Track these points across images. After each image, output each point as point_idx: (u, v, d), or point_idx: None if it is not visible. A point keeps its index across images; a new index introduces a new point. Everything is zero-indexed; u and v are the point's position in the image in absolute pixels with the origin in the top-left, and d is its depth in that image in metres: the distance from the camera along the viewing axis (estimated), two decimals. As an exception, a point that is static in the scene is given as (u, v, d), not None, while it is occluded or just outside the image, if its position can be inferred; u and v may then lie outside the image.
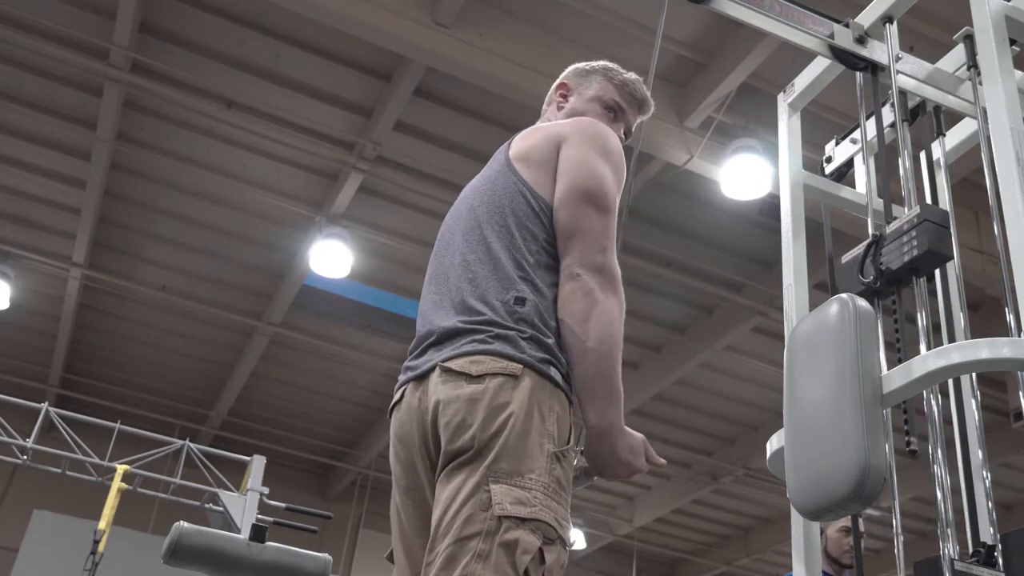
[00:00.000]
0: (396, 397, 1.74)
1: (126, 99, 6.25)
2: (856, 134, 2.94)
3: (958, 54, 2.77)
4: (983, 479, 2.46)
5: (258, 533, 5.08)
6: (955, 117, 2.91)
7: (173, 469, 6.48)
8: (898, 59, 2.64)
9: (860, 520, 2.84)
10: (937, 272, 2.70)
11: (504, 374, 1.55)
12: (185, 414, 10.02)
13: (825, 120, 5.46)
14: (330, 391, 9.65)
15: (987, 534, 2.38)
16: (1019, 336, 2.29)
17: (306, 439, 10.45)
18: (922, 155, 2.84)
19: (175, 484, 6.30)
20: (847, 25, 2.69)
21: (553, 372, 1.60)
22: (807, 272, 2.72)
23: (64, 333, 8.65)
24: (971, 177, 5.46)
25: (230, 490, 6.18)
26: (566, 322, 1.63)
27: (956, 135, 2.98)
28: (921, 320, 2.30)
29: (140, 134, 6.67)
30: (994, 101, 2.24)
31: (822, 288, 2.72)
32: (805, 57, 2.83)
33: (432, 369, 1.64)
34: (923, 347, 2.21)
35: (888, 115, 2.74)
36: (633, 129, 2.08)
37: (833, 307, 2.14)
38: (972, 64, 2.62)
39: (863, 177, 2.92)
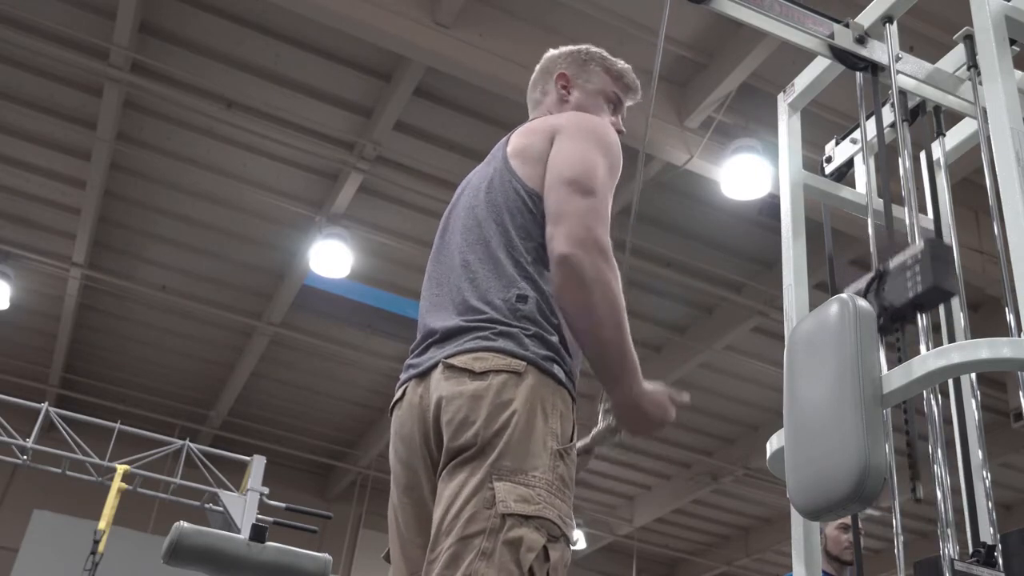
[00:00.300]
0: (397, 395, 1.73)
1: (126, 99, 6.25)
2: (856, 134, 2.94)
3: (958, 54, 2.77)
4: (983, 479, 2.46)
5: (258, 533, 5.08)
6: (955, 117, 2.91)
7: (173, 469, 6.48)
8: (898, 59, 2.64)
9: (859, 519, 2.84)
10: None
11: (508, 371, 1.55)
12: (185, 414, 10.02)
13: (825, 120, 5.46)
14: (330, 391, 9.65)
15: (987, 534, 2.38)
16: (1019, 336, 2.29)
17: (306, 439, 10.45)
18: (922, 155, 2.84)
19: (175, 484, 6.30)
20: (847, 25, 2.69)
21: (556, 369, 1.60)
22: (807, 272, 2.72)
23: (64, 333, 8.65)
24: (971, 177, 5.46)
25: (230, 490, 6.18)
26: (567, 311, 1.61)
27: (956, 135, 2.98)
28: (921, 320, 2.30)
29: (140, 134, 6.67)
30: (994, 101, 2.24)
31: (822, 288, 2.72)
32: (805, 57, 2.83)
33: (434, 366, 1.63)
34: (923, 347, 2.21)
35: (888, 115, 2.74)
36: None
37: (833, 307, 2.14)
38: (972, 64, 2.62)
39: (863, 177, 2.92)
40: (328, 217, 6.97)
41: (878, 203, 2.54)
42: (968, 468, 2.47)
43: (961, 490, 2.46)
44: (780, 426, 2.27)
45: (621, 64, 2.07)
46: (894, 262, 2.14)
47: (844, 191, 2.94)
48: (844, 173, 3.02)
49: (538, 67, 2.08)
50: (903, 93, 2.65)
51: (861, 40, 2.69)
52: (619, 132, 1.96)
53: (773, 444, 2.44)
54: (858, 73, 2.73)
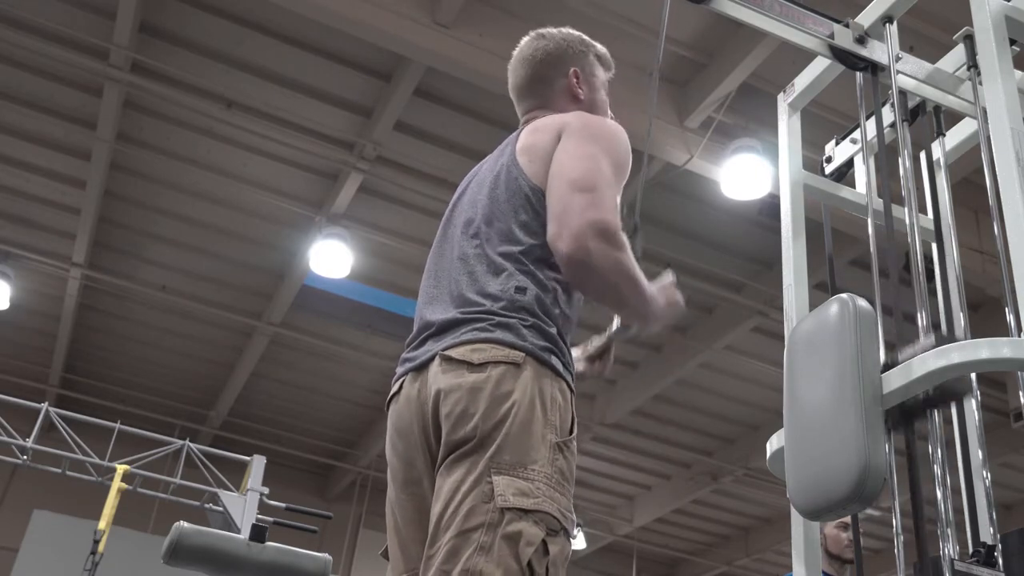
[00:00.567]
0: (394, 389, 1.72)
1: (126, 99, 6.25)
2: (856, 134, 2.94)
3: (958, 54, 2.78)
4: (983, 479, 2.46)
5: (258, 533, 5.08)
6: (955, 117, 2.91)
7: (173, 469, 6.48)
8: (898, 59, 2.64)
9: (859, 519, 2.83)
10: (937, 272, 2.70)
11: (506, 362, 1.54)
12: (185, 414, 10.02)
13: (825, 120, 5.46)
14: (330, 391, 9.64)
15: (987, 534, 2.38)
16: (1019, 336, 2.29)
17: (306, 439, 10.45)
18: (922, 155, 2.84)
19: (175, 484, 6.30)
20: (847, 25, 2.69)
21: (555, 360, 1.59)
22: (807, 272, 2.72)
23: (64, 333, 8.65)
24: (971, 177, 5.46)
25: (230, 490, 6.18)
26: (591, 298, 1.69)
27: (956, 135, 2.98)
28: (921, 320, 2.30)
29: (140, 134, 6.67)
30: (994, 101, 2.24)
31: (822, 288, 2.72)
32: (805, 57, 2.83)
33: (432, 359, 1.62)
34: (923, 347, 2.21)
35: (888, 115, 2.74)
36: None
37: (833, 307, 2.14)
38: (972, 64, 2.62)
39: (863, 177, 2.92)
40: (328, 217, 6.96)
41: (878, 203, 2.54)
42: (968, 468, 2.47)
43: (961, 490, 2.46)
44: (780, 426, 2.27)
45: (602, 47, 2.07)
46: (903, 354, 2.06)
47: (844, 191, 2.94)
48: (844, 173, 3.02)
49: (531, 58, 1.99)
50: (903, 93, 2.65)
51: (861, 40, 2.69)
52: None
53: (773, 444, 2.44)
54: (858, 73, 2.73)
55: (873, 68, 2.69)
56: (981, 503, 2.43)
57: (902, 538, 2.30)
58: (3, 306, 7.99)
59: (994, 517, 2.41)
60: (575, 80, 1.97)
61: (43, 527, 7.66)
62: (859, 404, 1.97)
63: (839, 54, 2.69)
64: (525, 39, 2.05)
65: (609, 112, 2.01)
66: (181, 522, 4.83)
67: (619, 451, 9.95)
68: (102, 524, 5.31)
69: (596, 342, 1.92)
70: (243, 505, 5.94)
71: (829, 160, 3.07)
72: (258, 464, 6.16)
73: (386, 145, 6.38)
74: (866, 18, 2.73)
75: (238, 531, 5.66)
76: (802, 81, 2.94)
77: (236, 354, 9.08)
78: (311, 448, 10.63)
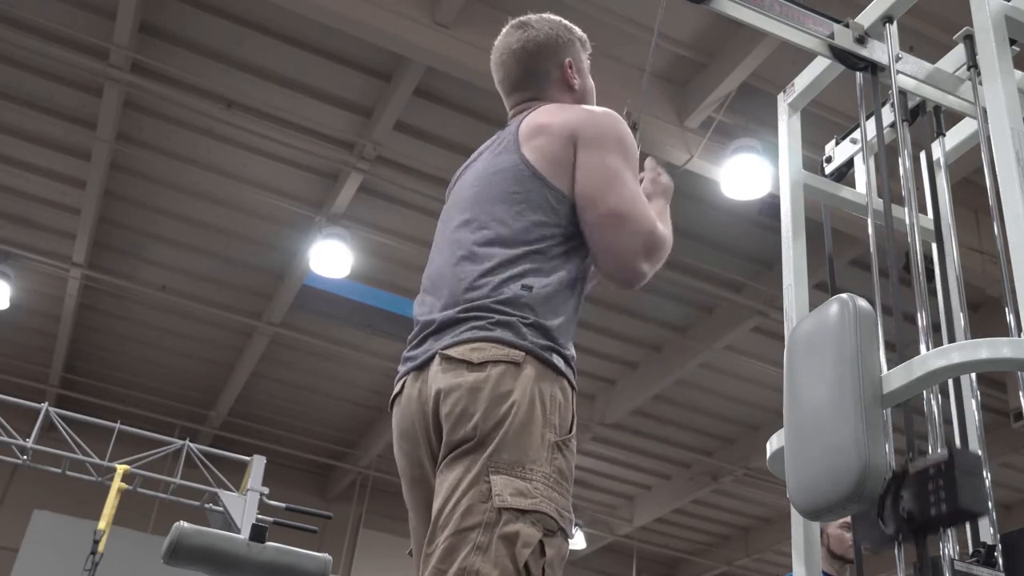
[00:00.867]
0: (396, 389, 1.71)
1: (126, 99, 6.25)
2: (856, 134, 2.94)
3: (958, 54, 2.77)
4: (983, 479, 2.46)
5: (258, 533, 5.08)
6: (955, 117, 2.91)
7: (173, 469, 6.48)
8: (898, 59, 2.64)
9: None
10: (937, 272, 2.70)
11: (506, 361, 1.53)
12: (185, 414, 10.02)
13: (825, 120, 5.46)
14: (330, 391, 9.65)
15: (987, 534, 2.38)
16: (1019, 336, 2.29)
17: (306, 439, 10.45)
18: (922, 155, 2.84)
19: (175, 484, 6.30)
20: (847, 25, 2.69)
21: (555, 359, 1.58)
22: (807, 272, 2.72)
23: (64, 333, 8.65)
24: (971, 177, 5.46)
25: (230, 490, 6.18)
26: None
27: (956, 135, 2.98)
28: (921, 320, 2.30)
29: (140, 134, 6.67)
30: (994, 101, 2.24)
31: (822, 288, 2.72)
32: (805, 57, 2.83)
33: (432, 358, 1.61)
34: (923, 347, 2.21)
35: (888, 115, 2.74)
36: None
37: (833, 307, 2.14)
38: (972, 64, 2.62)
39: (863, 177, 2.92)
40: (328, 217, 6.97)
41: (878, 203, 2.54)
42: (968, 468, 2.47)
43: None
44: (780, 426, 2.27)
45: (580, 30, 2.06)
46: (914, 467, 2.00)
47: (844, 191, 2.94)
48: (844, 173, 3.02)
49: (521, 50, 1.97)
50: (903, 93, 2.65)
51: (861, 40, 2.69)
52: None
53: (773, 444, 2.44)
54: (858, 73, 2.73)
55: (873, 68, 2.69)
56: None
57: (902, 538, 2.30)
58: (3, 306, 7.99)
59: (994, 517, 2.41)
60: (569, 71, 1.97)
61: (43, 527, 7.65)
62: (859, 404, 1.97)
63: (839, 54, 2.69)
64: (506, 28, 2.02)
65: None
66: (181, 522, 4.83)
67: (619, 451, 9.95)
68: (102, 524, 5.31)
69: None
70: (243, 505, 5.94)
71: (829, 160, 3.07)
72: (258, 464, 6.16)
73: (386, 145, 6.38)
74: (866, 18, 2.73)
75: (238, 531, 5.66)
76: (802, 81, 2.94)
77: (236, 354, 9.08)
78: (311, 448, 10.63)
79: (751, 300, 7.41)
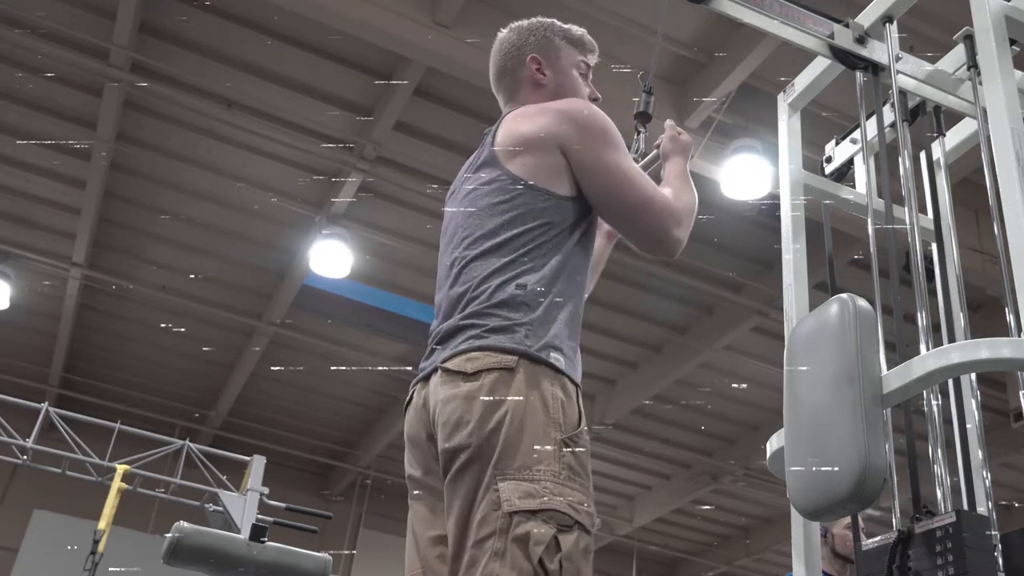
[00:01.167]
0: (408, 396, 1.75)
1: (126, 99, 6.25)
2: (856, 134, 2.94)
3: (958, 54, 2.77)
4: (983, 479, 2.46)
5: (258, 533, 5.09)
6: (955, 117, 2.91)
7: (173, 469, 6.48)
8: (898, 59, 2.64)
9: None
10: (937, 272, 2.70)
11: (499, 368, 1.55)
12: (185, 414, 10.02)
13: (825, 120, 5.46)
14: (330, 391, 9.64)
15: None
16: (1019, 336, 2.29)
17: (306, 439, 10.45)
18: (922, 155, 2.83)
19: (175, 484, 6.30)
20: (847, 25, 2.69)
21: (554, 357, 1.59)
22: (807, 272, 2.72)
23: (64, 333, 8.65)
24: (971, 177, 5.46)
25: (230, 490, 6.18)
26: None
27: (956, 135, 2.97)
28: (921, 320, 2.30)
29: (140, 134, 6.66)
30: (994, 101, 2.24)
31: (822, 288, 2.72)
32: (805, 57, 2.83)
33: (435, 370, 1.65)
34: (923, 347, 2.21)
35: (888, 115, 2.74)
36: None
37: (833, 307, 2.14)
38: (972, 64, 2.62)
39: (863, 177, 2.92)
40: (328, 217, 6.97)
41: (878, 203, 2.54)
42: (968, 468, 2.47)
43: (961, 490, 2.46)
44: (780, 426, 2.27)
45: (577, 29, 2.07)
46: (920, 527, 1.99)
47: (844, 191, 2.94)
48: (844, 173, 3.02)
49: (498, 52, 2.03)
50: (903, 93, 2.65)
51: (861, 40, 2.69)
52: (594, 100, 1.98)
53: (773, 444, 2.44)
54: (858, 73, 2.73)
55: (873, 68, 2.69)
56: (981, 503, 2.43)
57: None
58: (3, 306, 7.99)
59: (994, 517, 2.41)
60: (535, 67, 1.98)
61: (43, 527, 7.66)
62: (859, 404, 1.97)
63: (839, 54, 2.69)
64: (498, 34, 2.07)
65: (587, 91, 2.01)
66: (181, 522, 4.83)
67: (619, 451, 9.95)
68: (102, 524, 5.31)
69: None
70: (243, 505, 5.94)
71: (829, 160, 3.06)
72: (258, 464, 6.16)
73: (386, 145, 6.38)
74: (866, 18, 2.73)
75: (238, 531, 5.66)
76: (802, 81, 2.94)
77: (236, 354, 9.08)
78: (311, 448, 10.63)
79: (751, 300, 7.41)
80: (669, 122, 2.14)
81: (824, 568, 3.67)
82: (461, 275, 1.72)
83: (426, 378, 1.68)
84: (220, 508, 6.05)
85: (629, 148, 1.89)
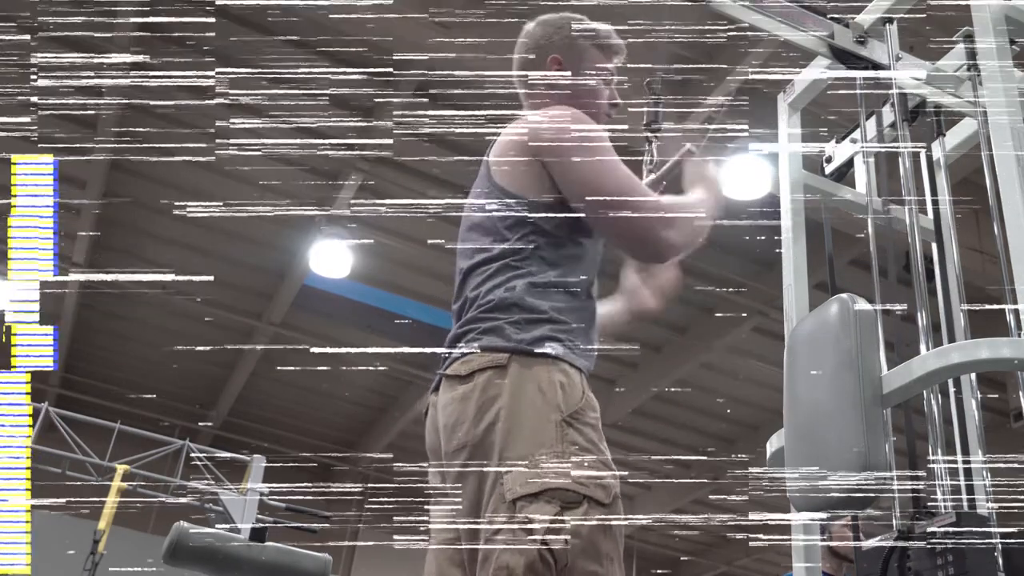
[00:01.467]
0: (425, 407, 1.80)
1: (126, 99, 6.24)
2: (856, 134, 2.94)
3: (958, 54, 2.77)
4: (983, 479, 2.46)
5: (258, 533, 5.08)
6: (955, 117, 2.91)
7: (173, 469, 6.48)
8: (898, 59, 2.64)
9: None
10: (937, 272, 2.70)
11: (491, 367, 1.58)
12: (185, 414, 10.01)
13: (825, 120, 5.46)
14: (330, 391, 9.64)
15: (987, 534, 2.38)
16: (1019, 336, 2.29)
17: (306, 439, 10.45)
18: (922, 155, 2.83)
19: (175, 484, 6.30)
20: (847, 25, 2.69)
21: (549, 347, 1.61)
22: (807, 272, 2.72)
23: (64, 333, 8.64)
24: (971, 177, 5.45)
25: (230, 490, 6.18)
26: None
27: (956, 135, 2.97)
28: (921, 320, 2.30)
29: (140, 134, 6.66)
30: (994, 101, 2.24)
31: (822, 288, 2.72)
32: (805, 57, 2.83)
33: (440, 379, 1.71)
34: (923, 347, 2.21)
35: (888, 115, 2.74)
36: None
37: (833, 307, 2.14)
38: (972, 64, 2.62)
39: (863, 177, 2.92)
40: (328, 217, 6.96)
41: (878, 203, 2.54)
42: (968, 468, 2.47)
43: (961, 490, 2.46)
44: (780, 426, 2.27)
45: (605, 29, 2.03)
46: (919, 527, 2.01)
47: (844, 191, 2.94)
48: (844, 173, 3.02)
49: (522, 46, 2.00)
50: (903, 93, 2.65)
51: (861, 40, 2.69)
52: (614, 104, 1.97)
53: (773, 444, 2.44)
54: (858, 73, 2.73)
55: (873, 68, 2.69)
56: (981, 503, 2.43)
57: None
58: (3, 306, 7.98)
59: (994, 517, 2.41)
60: (555, 68, 1.94)
61: (43, 527, 7.64)
62: (859, 404, 1.97)
63: (839, 54, 2.69)
64: None
65: (607, 96, 1.98)
66: (181, 522, 4.83)
67: (619, 451, 9.94)
68: (102, 524, 5.32)
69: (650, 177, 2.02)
70: (243, 505, 5.94)
71: (829, 160, 3.06)
72: (258, 464, 6.17)
73: (386, 145, 6.38)
74: (866, 18, 2.73)
75: (238, 531, 5.66)
76: (802, 81, 2.94)
77: (236, 354, 9.07)
78: (311, 448, 10.62)
79: (751, 300, 7.41)
80: (692, 147, 2.02)
81: (823, 568, 3.67)
82: (463, 286, 1.77)
83: (436, 387, 1.73)
84: (220, 508, 6.05)
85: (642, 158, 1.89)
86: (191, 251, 7.80)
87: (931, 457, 2.28)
